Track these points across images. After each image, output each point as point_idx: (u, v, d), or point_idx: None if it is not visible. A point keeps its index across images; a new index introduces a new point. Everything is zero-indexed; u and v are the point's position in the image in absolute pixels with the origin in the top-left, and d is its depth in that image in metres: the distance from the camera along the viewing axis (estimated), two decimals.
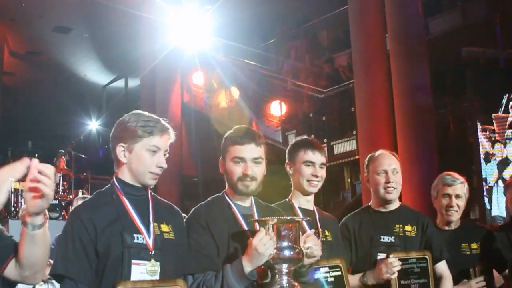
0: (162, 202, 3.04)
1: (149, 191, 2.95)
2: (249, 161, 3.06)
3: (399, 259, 3.67)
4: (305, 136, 3.91)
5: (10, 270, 2.47)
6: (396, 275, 3.64)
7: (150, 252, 2.76)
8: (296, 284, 2.82)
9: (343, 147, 12.48)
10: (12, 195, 11.42)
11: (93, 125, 20.36)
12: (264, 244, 2.73)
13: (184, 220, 3.11)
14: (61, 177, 12.25)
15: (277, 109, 14.15)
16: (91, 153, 17.49)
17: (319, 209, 3.70)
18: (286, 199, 3.61)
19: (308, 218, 3.27)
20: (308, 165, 3.51)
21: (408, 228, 3.89)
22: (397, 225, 3.89)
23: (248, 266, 2.78)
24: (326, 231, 3.58)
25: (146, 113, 2.91)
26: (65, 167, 12.73)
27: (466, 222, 4.37)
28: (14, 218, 10.54)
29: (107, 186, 2.92)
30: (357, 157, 11.12)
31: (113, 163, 2.92)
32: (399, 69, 9.84)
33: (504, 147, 9.22)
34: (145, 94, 15.67)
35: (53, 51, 17.82)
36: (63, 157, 12.94)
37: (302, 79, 14.31)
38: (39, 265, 2.48)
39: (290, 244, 2.80)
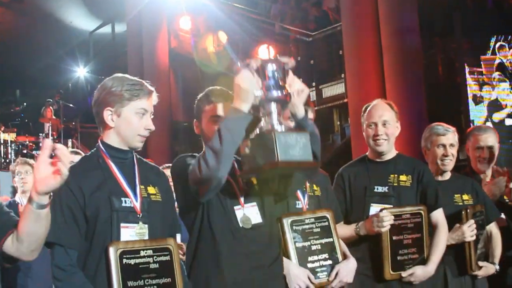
0: (148, 164, 3.05)
1: (134, 154, 2.96)
2: None
3: (392, 214, 3.70)
4: None
5: (8, 244, 2.51)
6: (386, 228, 3.68)
7: (138, 215, 2.79)
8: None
9: (332, 90, 12.50)
10: (2, 146, 11.37)
11: (81, 72, 20.12)
12: (245, 78, 2.73)
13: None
14: (50, 127, 12.21)
15: (265, 53, 14.06)
16: (79, 101, 17.39)
17: None
18: None
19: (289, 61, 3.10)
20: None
21: (403, 177, 3.90)
22: (392, 175, 3.91)
23: (239, 105, 2.75)
24: (314, 186, 3.58)
25: (128, 76, 2.90)
26: (53, 117, 12.68)
27: (456, 174, 4.42)
28: (4, 170, 10.50)
29: (92, 151, 2.93)
30: (345, 100, 11.14)
31: None
32: (387, 10, 9.78)
33: (493, 89, 9.26)
34: (132, 40, 15.48)
35: None
36: (50, 107, 12.88)
37: (290, 22, 14.20)
38: (38, 243, 2.51)
39: (275, 83, 2.76)
